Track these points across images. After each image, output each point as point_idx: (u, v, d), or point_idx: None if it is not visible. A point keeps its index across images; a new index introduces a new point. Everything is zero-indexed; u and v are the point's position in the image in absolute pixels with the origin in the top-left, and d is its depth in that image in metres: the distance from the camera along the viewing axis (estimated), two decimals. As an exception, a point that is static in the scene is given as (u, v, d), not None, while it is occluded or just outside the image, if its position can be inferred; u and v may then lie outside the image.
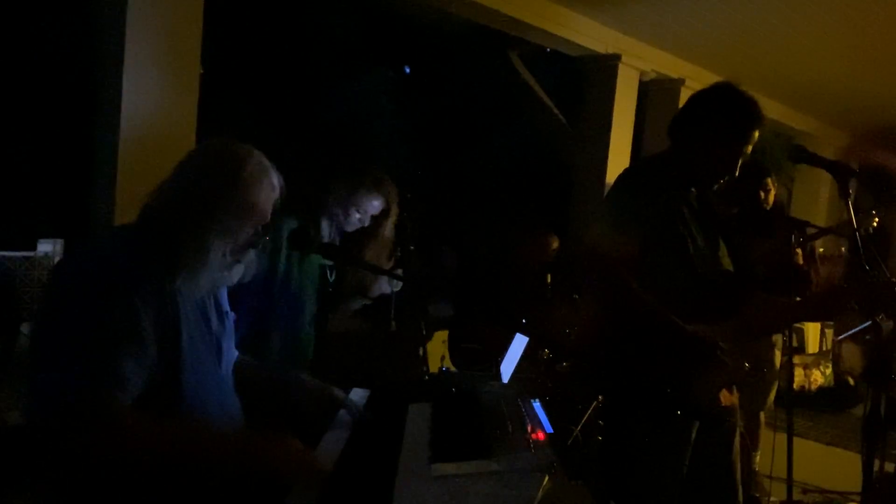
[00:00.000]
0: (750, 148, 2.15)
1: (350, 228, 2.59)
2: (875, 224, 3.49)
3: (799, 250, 3.55)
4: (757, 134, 2.13)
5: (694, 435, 2.16)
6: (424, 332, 2.48)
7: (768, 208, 3.69)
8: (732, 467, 2.27)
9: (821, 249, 3.62)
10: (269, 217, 1.59)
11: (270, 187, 1.58)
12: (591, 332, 2.31)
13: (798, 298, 2.87)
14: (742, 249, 2.33)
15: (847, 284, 2.13)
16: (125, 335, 1.38)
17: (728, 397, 2.21)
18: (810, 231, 3.63)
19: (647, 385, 2.08)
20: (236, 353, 1.83)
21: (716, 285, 2.17)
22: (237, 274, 1.61)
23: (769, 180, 3.68)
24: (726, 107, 2.13)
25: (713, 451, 2.23)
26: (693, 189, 2.26)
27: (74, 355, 1.35)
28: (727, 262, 2.26)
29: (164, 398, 1.45)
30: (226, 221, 1.51)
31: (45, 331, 1.44)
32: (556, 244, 4.89)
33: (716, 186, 2.23)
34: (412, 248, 2.78)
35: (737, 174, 2.18)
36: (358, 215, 2.58)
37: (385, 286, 2.81)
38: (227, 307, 1.73)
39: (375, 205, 2.61)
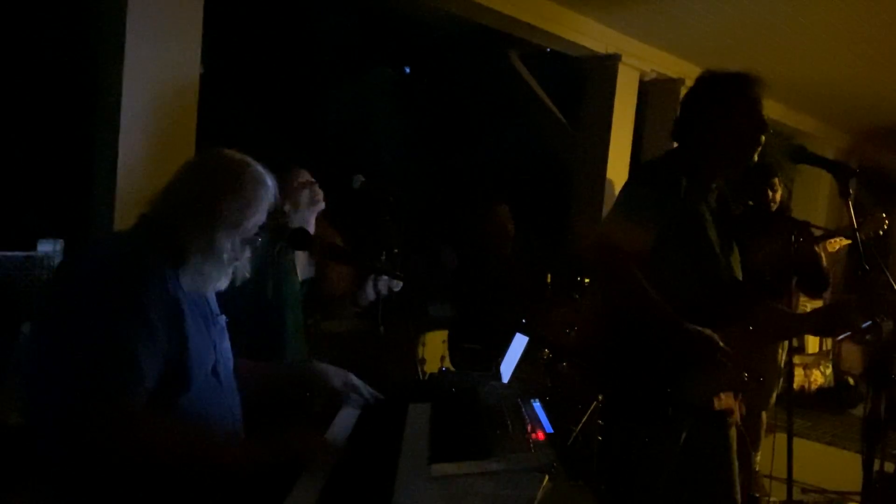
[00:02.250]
0: (764, 116, 2.13)
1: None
2: (885, 227, 3.45)
3: (822, 253, 3.54)
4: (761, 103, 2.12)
5: (684, 435, 2.15)
6: (413, 335, 2.42)
7: (774, 208, 3.69)
8: (729, 467, 2.24)
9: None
10: (265, 216, 1.68)
11: (267, 188, 1.67)
12: (592, 332, 2.30)
13: (815, 298, 2.86)
14: (751, 253, 2.32)
15: (852, 297, 2.11)
16: (137, 332, 1.42)
17: (726, 400, 2.20)
18: (817, 233, 3.63)
19: (647, 385, 2.07)
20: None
21: (727, 290, 2.16)
22: (227, 278, 1.67)
23: (776, 180, 3.68)
24: (723, 91, 2.13)
25: (708, 452, 2.21)
26: (715, 185, 2.23)
27: (88, 354, 1.38)
28: (738, 268, 2.25)
29: (171, 393, 1.49)
30: (229, 221, 1.59)
31: (51, 332, 1.46)
32: (507, 214, 4.55)
33: (741, 167, 2.19)
34: (397, 251, 2.72)
35: (755, 156, 2.15)
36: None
37: (370, 293, 2.67)
38: (217, 310, 1.76)
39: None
